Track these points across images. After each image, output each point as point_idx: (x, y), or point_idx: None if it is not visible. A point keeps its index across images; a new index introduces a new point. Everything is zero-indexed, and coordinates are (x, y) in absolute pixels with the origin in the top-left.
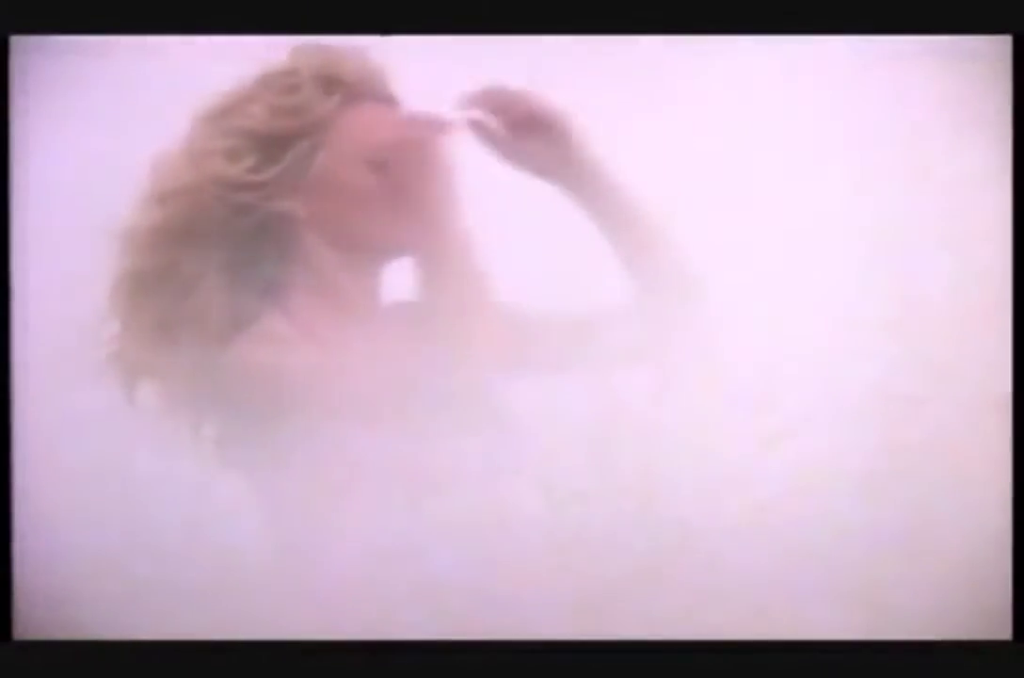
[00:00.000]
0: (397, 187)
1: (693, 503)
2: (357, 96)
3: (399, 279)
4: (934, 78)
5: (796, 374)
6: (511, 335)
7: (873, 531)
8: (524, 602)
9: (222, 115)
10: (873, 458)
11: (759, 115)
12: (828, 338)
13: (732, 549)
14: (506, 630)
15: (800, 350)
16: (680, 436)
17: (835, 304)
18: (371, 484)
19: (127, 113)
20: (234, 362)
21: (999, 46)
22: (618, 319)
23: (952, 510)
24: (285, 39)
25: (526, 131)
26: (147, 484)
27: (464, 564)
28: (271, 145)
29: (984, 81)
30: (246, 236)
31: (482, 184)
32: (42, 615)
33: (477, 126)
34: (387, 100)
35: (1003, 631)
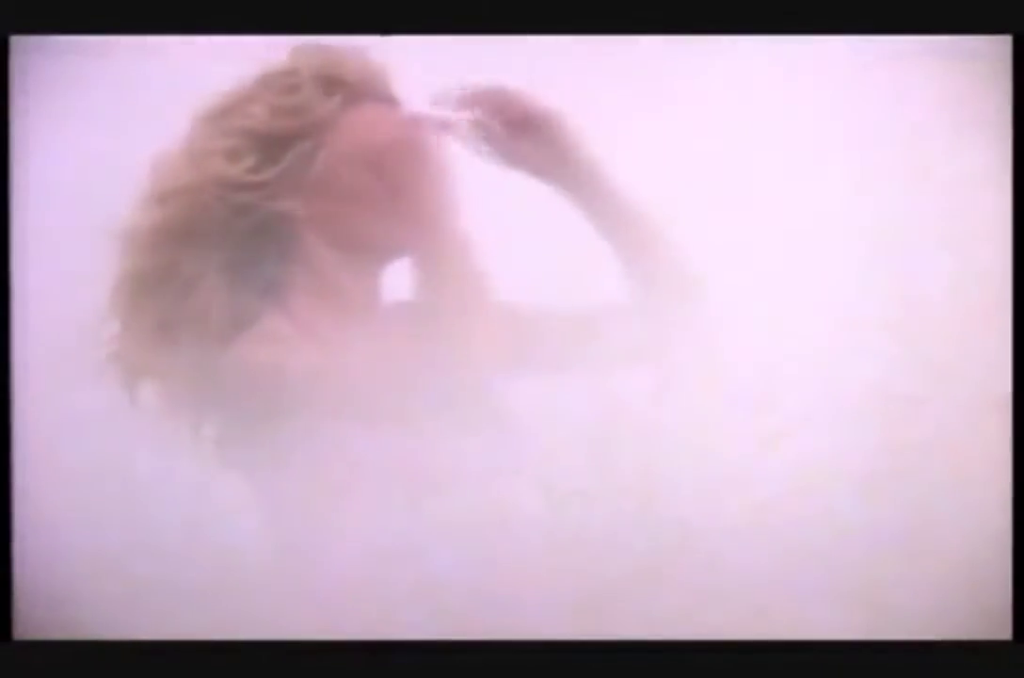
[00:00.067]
0: (397, 187)
1: (693, 503)
2: (358, 96)
3: (400, 279)
4: (934, 78)
5: (796, 374)
6: (511, 335)
7: (873, 531)
8: (524, 602)
9: (222, 115)
10: (873, 458)
11: (759, 115)
12: (828, 338)
13: (732, 549)
14: (506, 630)
15: (800, 350)
16: (680, 436)
17: (835, 304)
18: (371, 484)
19: (127, 113)
20: (234, 362)
21: (999, 46)
22: (618, 319)
23: (952, 510)
24: (285, 39)
25: (520, 131)
26: (147, 484)
27: (464, 564)
28: (271, 145)
29: (984, 81)
30: (246, 236)
31: (483, 183)
32: (42, 615)
33: (473, 126)
34: (388, 100)
35: (1003, 631)
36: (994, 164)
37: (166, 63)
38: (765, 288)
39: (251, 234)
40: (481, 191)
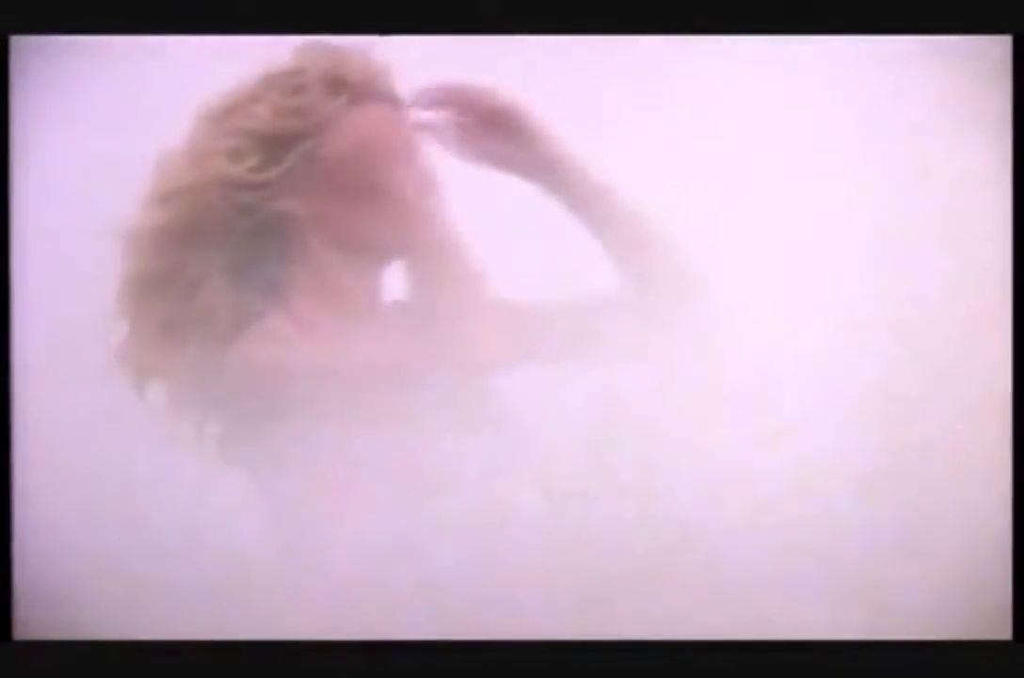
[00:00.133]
0: (396, 187)
1: (693, 503)
2: (362, 96)
3: (401, 279)
4: (934, 78)
5: (796, 374)
6: (512, 335)
7: (873, 531)
8: (524, 602)
9: (225, 115)
10: (873, 458)
11: (759, 115)
12: (828, 338)
13: (732, 549)
14: (506, 630)
15: (800, 350)
16: (680, 436)
17: (835, 304)
18: (371, 484)
19: (127, 113)
20: (237, 361)
21: (999, 46)
22: (618, 319)
23: (952, 510)
24: (285, 39)
25: (486, 128)
26: (147, 484)
27: (464, 564)
28: (274, 145)
29: (984, 81)
30: (249, 236)
31: (481, 182)
32: (42, 615)
33: (441, 124)
34: (391, 100)
35: (1003, 631)
36: (994, 164)
37: (166, 63)
38: (765, 288)
39: (253, 234)
40: (480, 190)
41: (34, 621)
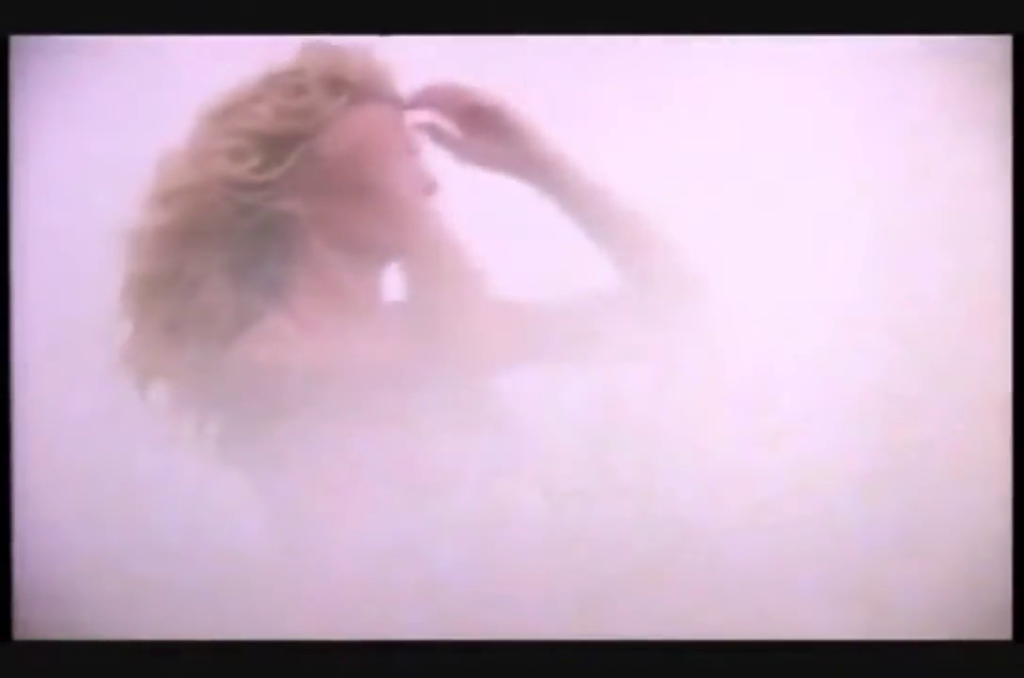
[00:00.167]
0: (395, 187)
1: (693, 503)
2: (363, 96)
3: (401, 279)
4: (934, 78)
5: (796, 374)
6: (512, 335)
7: (873, 531)
8: (524, 602)
9: (226, 115)
10: (873, 458)
11: (759, 115)
12: (828, 338)
13: (732, 549)
14: (506, 630)
15: (800, 350)
16: (680, 436)
17: (835, 304)
18: (371, 484)
19: (128, 113)
20: (238, 361)
21: (999, 46)
22: (618, 319)
23: (952, 510)
24: (286, 39)
25: (472, 127)
26: (147, 484)
27: (464, 564)
28: (275, 145)
29: (984, 81)
30: (249, 236)
31: (480, 181)
32: (42, 615)
33: (427, 125)
34: (392, 101)
35: (1003, 631)
36: (994, 164)
37: (166, 63)
38: (765, 288)
39: (254, 234)
40: (480, 189)
41: (34, 621)
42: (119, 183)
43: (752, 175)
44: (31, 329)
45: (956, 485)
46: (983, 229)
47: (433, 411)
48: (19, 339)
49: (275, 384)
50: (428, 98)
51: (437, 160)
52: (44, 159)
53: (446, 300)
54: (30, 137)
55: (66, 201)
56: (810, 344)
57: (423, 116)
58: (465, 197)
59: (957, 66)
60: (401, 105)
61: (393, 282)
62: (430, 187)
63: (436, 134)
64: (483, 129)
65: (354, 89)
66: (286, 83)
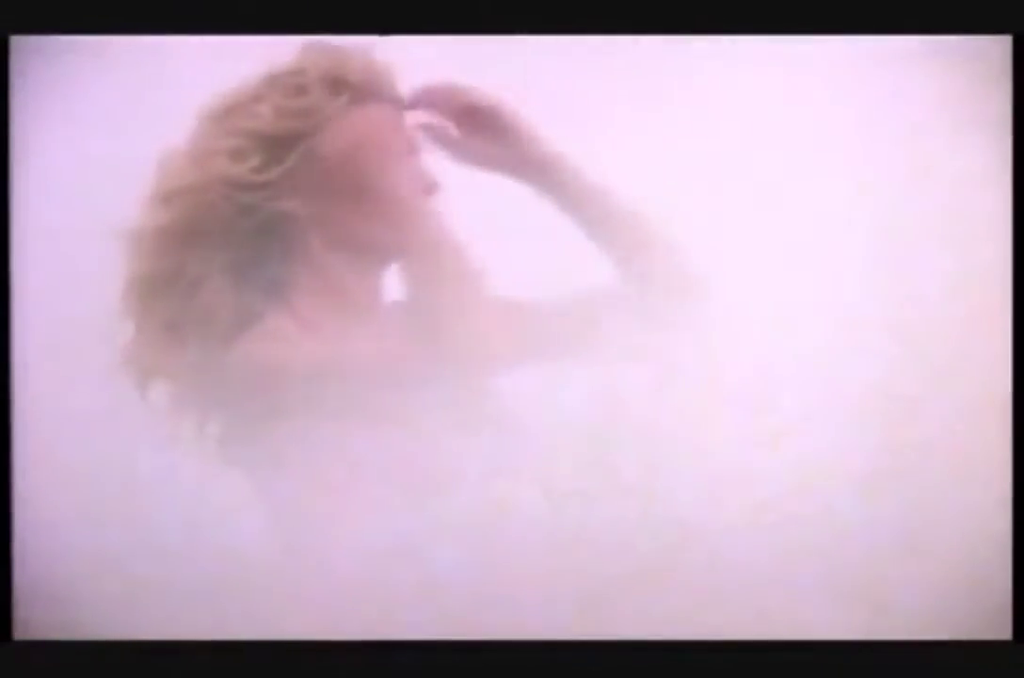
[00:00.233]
0: (394, 186)
1: (693, 503)
2: (363, 96)
3: (402, 279)
4: (934, 78)
5: (796, 374)
6: (512, 335)
7: (873, 530)
8: (524, 602)
9: (226, 115)
10: (873, 457)
11: (759, 115)
12: (828, 338)
13: (732, 549)
14: (506, 630)
15: (800, 350)
16: (680, 436)
17: (835, 304)
18: (371, 484)
19: (128, 113)
20: (238, 361)
21: (999, 46)
22: (618, 319)
23: (952, 510)
24: (286, 39)
25: (470, 127)
26: (147, 484)
27: (464, 564)
28: (276, 145)
29: (984, 81)
30: (250, 236)
31: (480, 180)
32: (42, 615)
33: (436, 125)
34: (393, 101)
35: (1003, 631)
36: (994, 164)
37: (166, 63)
38: (765, 288)
39: (255, 234)
40: (480, 189)
41: (34, 621)
42: (119, 183)
43: (752, 175)
44: (31, 329)
45: (956, 485)
46: (983, 229)
47: (433, 411)
48: (19, 339)
49: (275, 384)
50: (425, 98)
51: (437, 160)
52: (44, 159)
53: (446, 300)
54: (30, 137)
55: (66, 201)
56: (810, 344)
57: (423, 116)
58: (465, 197)
59: (957, 66)
60: (402, 105)
61: (393, 282)
62: (430, 187)
63: (435, 134)
64: (480, 129)
65: (355, 89)
66: (287, 83)
